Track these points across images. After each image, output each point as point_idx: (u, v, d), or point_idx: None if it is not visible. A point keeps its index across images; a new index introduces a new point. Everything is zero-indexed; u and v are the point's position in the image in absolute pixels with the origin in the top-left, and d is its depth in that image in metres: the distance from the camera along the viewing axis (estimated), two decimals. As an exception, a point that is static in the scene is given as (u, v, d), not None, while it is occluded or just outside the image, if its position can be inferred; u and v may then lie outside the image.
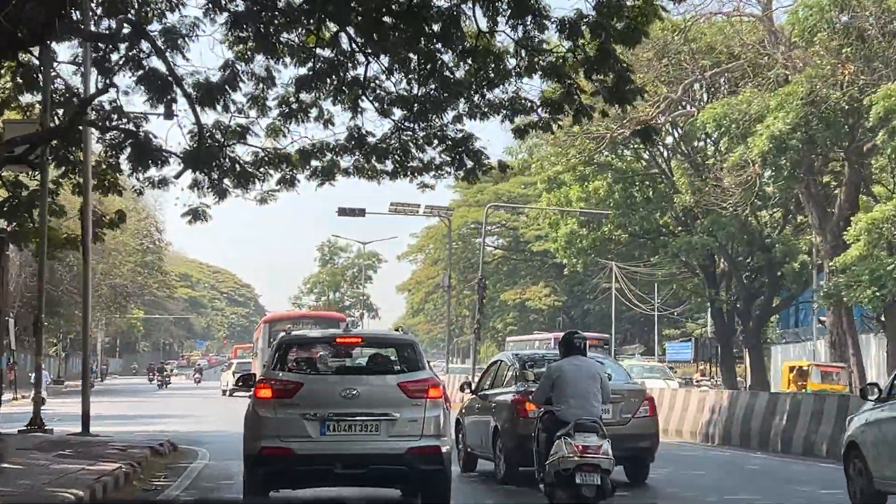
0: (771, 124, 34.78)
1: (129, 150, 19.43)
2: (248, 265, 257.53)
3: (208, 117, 19.29)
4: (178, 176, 19.61)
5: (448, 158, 19.69)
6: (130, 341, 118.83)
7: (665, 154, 51.14)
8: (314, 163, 20.53)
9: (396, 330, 13.56)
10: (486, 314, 66.21)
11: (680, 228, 50.82)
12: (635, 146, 49.02)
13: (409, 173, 20.25)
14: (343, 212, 45.56)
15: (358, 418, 11.69)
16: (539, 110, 18.89)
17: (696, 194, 44.75)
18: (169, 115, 18.39)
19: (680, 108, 42.87)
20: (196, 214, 20.96)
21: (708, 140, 48.15)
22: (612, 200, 48.33)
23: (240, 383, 14.59)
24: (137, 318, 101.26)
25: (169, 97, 18.19)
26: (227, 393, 54.07)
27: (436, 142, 19.81)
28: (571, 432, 11.35)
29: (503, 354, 19.56)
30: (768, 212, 48.32)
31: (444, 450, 11.85)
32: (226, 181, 20.37)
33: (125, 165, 20.67)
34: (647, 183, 49.35)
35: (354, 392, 11.76)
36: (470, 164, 19.52)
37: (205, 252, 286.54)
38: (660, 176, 49.71)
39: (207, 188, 20.44)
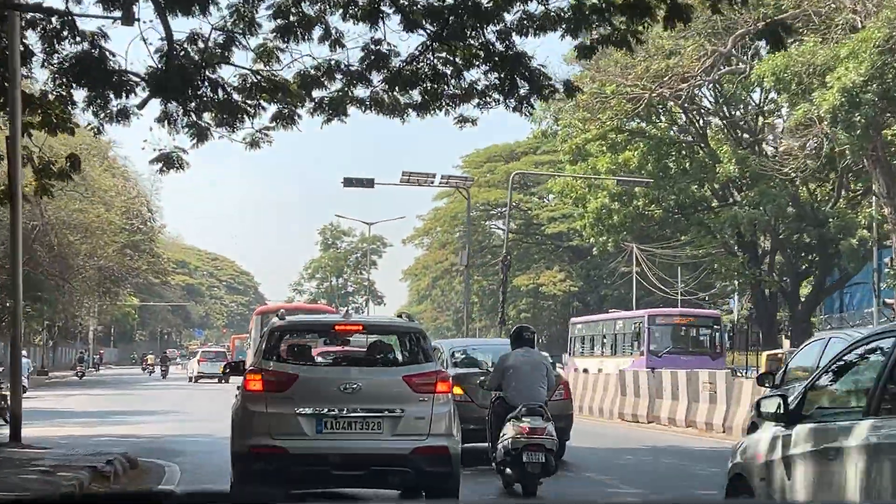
0: (843, 75, 30.19)
1: (79, 71, 14.94)
2: (246, 251, 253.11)
3: (181, 24, 14.94)
4: (142, 105, 15.15)
5: (496, 81, 15.22)
6: (125, 330, 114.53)
7: (700, 122, 46.67)
8: (319, 93, 16.08)
9: (399, 316, 12.62)
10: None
11: (716, 204, 46.40)
12: (670, 110, 44.54)
13: (444, 104, 15.80)
14: (349, 182, 41.05)
15: (358, 415, 10.79)
16: (614, 18, 14.48)
17: (740, 163, 40.27)
18: (128, 19, 13.92)
19: (724, 66, 38.29)
20: (169, 161, 16.57)
21: (752, 103, 43.51)
22: (644, 172, 43.92)
23: (227, 371, 13.98)
24: (132, 306, 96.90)
25: (128, -3, 13.77)
26: (194, 380, 56.75)
27: (478, 62, 15.36)
28: (520, 415, 12.34)
29: (437, 342, 19.68)
30: (820, 182, 43.70)
31: (452, 450, 10.90)
32: (206, 116, 15.97)
33: (79, 98, 16.28)
34: (684, 153, 44.79)
35: (355, 386, 10.83)
36: (524, 87, 15.05)
37: (203, 239, 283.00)
38: (698, 144, 45.17)
39: (183, 126, 16.04)
